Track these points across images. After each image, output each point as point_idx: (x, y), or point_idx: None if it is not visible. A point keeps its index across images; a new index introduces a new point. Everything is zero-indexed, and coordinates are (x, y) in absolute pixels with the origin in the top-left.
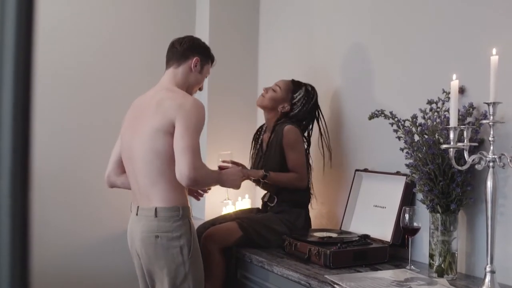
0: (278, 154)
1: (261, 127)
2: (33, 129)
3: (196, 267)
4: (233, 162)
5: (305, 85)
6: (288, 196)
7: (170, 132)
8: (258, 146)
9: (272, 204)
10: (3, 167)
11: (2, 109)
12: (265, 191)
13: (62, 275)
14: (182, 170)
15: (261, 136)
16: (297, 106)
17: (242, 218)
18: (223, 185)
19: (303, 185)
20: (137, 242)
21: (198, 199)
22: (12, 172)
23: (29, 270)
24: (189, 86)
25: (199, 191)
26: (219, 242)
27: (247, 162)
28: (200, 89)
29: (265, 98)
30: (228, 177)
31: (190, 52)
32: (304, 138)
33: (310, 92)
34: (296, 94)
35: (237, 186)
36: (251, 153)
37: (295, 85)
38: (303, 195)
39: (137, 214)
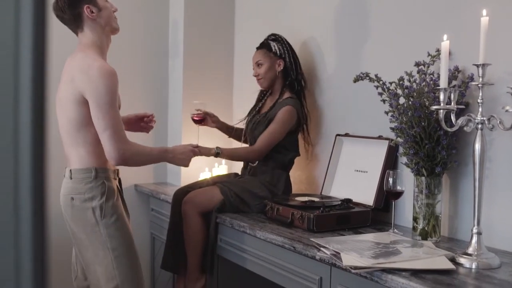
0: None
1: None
2: (48, 128)
3: (116, 229)
4: (206, 113)
5: (267, 38)
6: (271, 156)
7: (79, 101)
8: (258, 107)
9: (254, 164)
10: (23, 167)
11: (20, 114)
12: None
13: None
14: (109, 154)
15: (266, 98)
16: (284, 54)
17: (223, 182)
18: (170, 162)
19: (257, 159)
20: (61, 205)
21: (147, 132)
22: (32, 173)
23: (48, 266)
24: (105, 28)
25: (147, 123)
26: (199, 206)
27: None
28: (114, 11)
29: (264, 77)
30: (176, 155)
31: (76, 8)
32: (299, 122)
33: (277, 38)
34: (273, 49)
35: (185, 165)
36: (250, 110)
37: (265, 46)
38: (285, 158)
39: (64, 176)
